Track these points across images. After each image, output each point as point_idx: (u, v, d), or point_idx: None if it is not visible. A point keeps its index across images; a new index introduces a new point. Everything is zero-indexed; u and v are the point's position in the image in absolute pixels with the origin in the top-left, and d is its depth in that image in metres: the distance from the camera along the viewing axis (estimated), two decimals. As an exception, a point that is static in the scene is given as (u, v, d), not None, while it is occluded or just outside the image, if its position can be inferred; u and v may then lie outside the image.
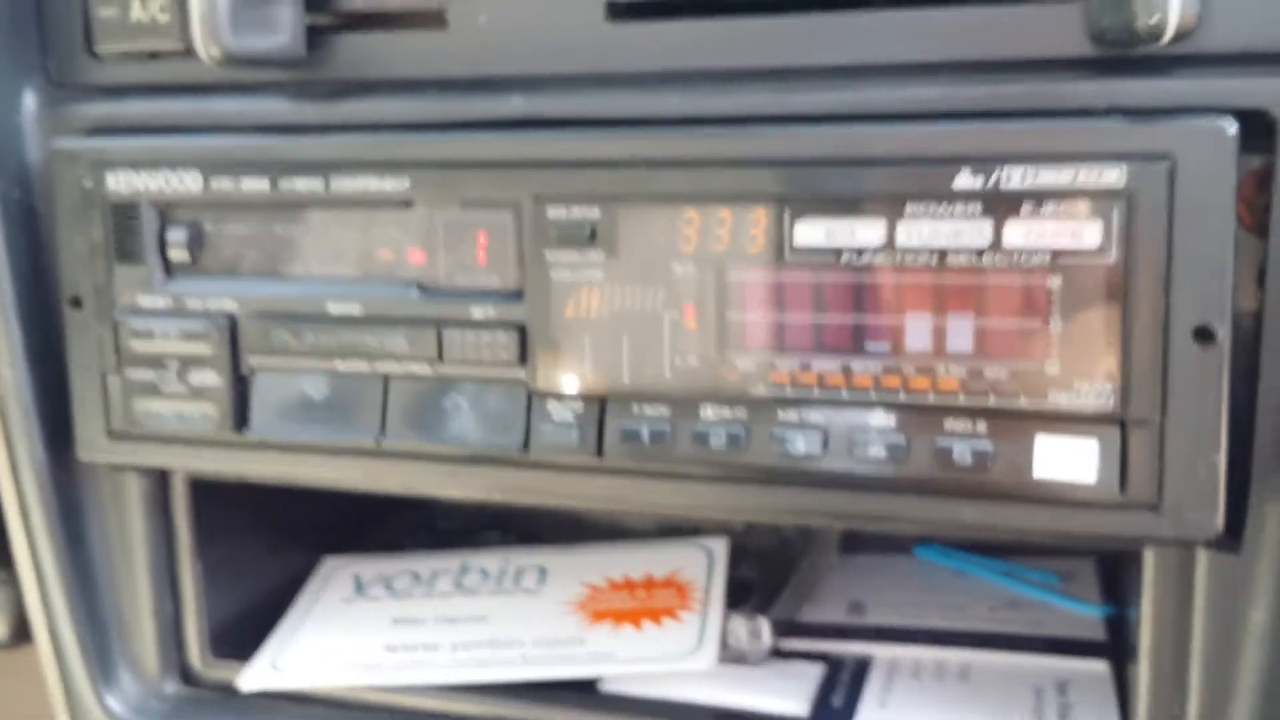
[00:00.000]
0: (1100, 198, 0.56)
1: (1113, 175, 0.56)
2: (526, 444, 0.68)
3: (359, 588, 0.93)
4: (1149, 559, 0.63)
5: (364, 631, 0.86)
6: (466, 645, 0.83)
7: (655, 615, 0.85)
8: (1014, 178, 0.57)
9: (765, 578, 0.92)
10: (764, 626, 0.84)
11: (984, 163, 0.57)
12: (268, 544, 0.93)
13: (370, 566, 0.93)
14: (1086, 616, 0.89)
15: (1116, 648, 0.83)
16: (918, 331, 0.60)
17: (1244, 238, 0.56)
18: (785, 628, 0.88)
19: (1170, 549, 0.62)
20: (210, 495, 0.84)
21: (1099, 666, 0.81)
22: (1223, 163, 0.54)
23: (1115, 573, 0.94)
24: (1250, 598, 0.60)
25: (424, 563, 0.93)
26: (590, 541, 0.97)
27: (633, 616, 0.85)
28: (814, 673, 0.81)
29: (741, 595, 0.89)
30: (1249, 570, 0.60)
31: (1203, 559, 0.61)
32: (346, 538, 1.00)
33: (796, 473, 0.63)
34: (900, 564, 1.00)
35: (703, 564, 0.91)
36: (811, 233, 0.62)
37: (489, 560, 0.92)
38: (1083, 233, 0.57)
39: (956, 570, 0.98)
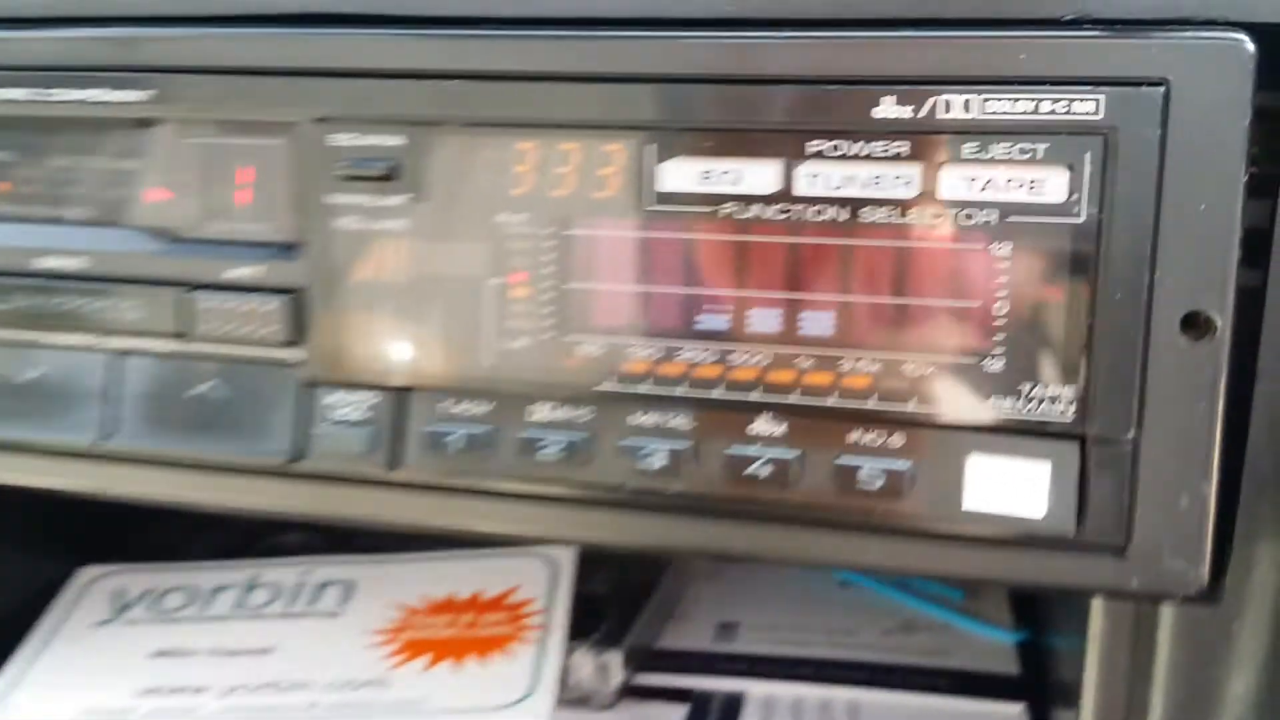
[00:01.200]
0: (1068, 137, 0.43)
1: (1085, 107, 0.43)
2: (300, 451, 0.52)
3: (118, 607, 0.76)
4: (1097, 609, 0.52)
5: (117, 668, 0.69)
6: (243, 688, 0.66)
7: (481, 647, 0.70)
8: (953, 107, 0.44)
9: (620, 594, 0.78)
10: (614, 661, 0.70)
11: (914, 86, 0.44)
12: (10, 547, 0.74)
13: (136, 578, 0.79)
14: (996, 642, 0.75)
15: (1034, 684, 0.72)
16: (819, 311, 0.47)
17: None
18: (642, 657, 0.74)
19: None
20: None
21: (1013, 710, 0.69)
22: (1235, 91, 0.42)
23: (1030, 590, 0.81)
24: (1229, 663, 0.49)
25: (203, 575, 0.79)
26: (409, 549, 0.80)
27: (453, 649, 0.70)
28: (674, 717, 0.67)
29: (591, 616, 0.75)
30: (1228, 627, 0.49)
31: (1168, 610, 0.50)
32: (112, 539, 0.82)
33: (653, 494, 0.50)
34: (780, 574, 0.86)
35: (544, 578, 0.76)
36: (682, 175, 0.48)
37: (284, 572, 0.77)
38: (1043, 183, 0.44)
39: (844, 582, 0.84)
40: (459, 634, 0.72)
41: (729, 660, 0.76)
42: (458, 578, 0.77)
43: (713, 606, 0.82)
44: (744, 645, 0.77)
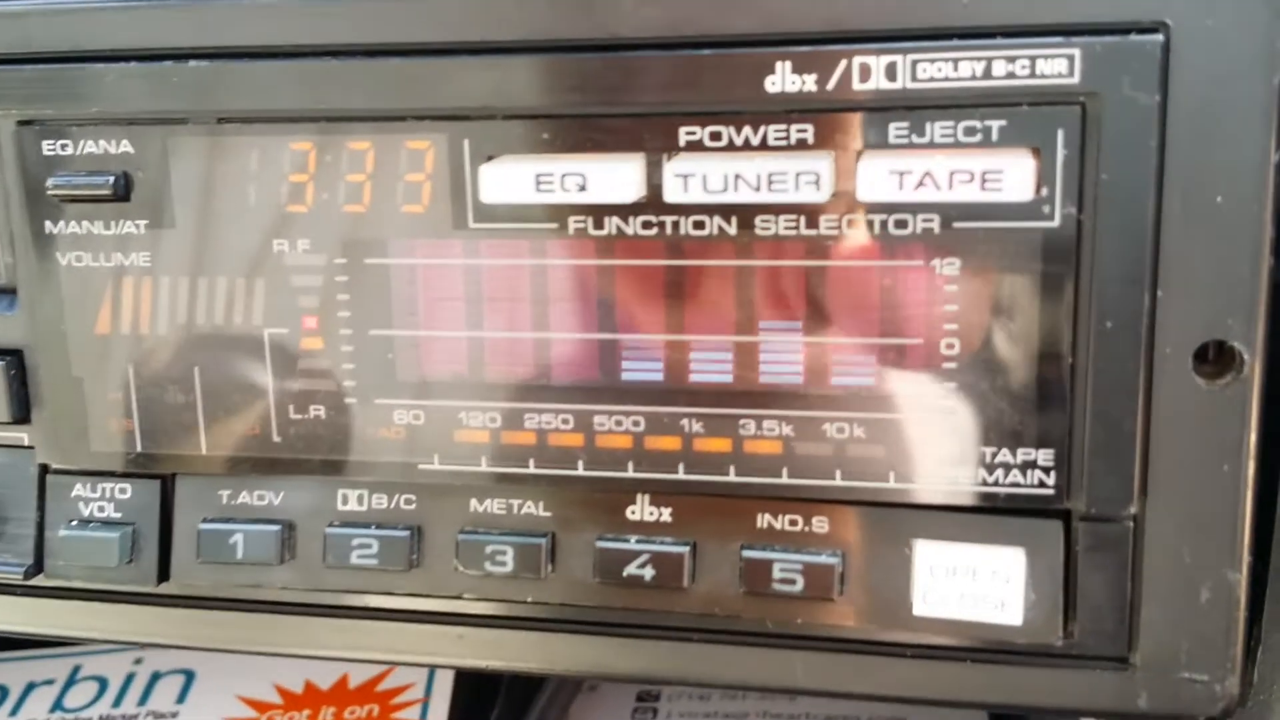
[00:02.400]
0: (1031, 109, 0.33)
1: (1055, 67, 0.33)
2: (39, 562, 0.39)
3: (-94, 716, 0.63)
4: None
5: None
6: (42, 825, 0.54)
7: (343, 754, 0.57)
8: (872, 74, 0.34)
9: None
10: (506, 760, 0.57)
11: (818, 46, 0.34)
12: None
13: (-67, 676, 0.63)
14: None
15: None
16: (708, 356, 0.36)
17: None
18: (545, 744, 0.61)
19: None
20: None
21: (985, 792, 0.57)
22: (1259, 40, 0.32)
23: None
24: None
25: (16, 668, 0.66)
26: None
27: (308, 758, 0.57)
28: (581, 825, 0.56)
29: (481, 698, 0.64)
30: (1258, 737, 0.39)
31: None
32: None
33: (504, 603, 0.39)
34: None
35: (425, 655, 0.62)
36: (512, 180, 0.36)
37: (111, 663, 0.65)
38: (1000, 175, 0.33)
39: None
40: (315, 737, 0.59)
41: (648, 741, 0.64)
42: (319, 660, 0.64)
43: (630, 670, 0.70)
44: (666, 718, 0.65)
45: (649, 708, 0.67)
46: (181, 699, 0.64)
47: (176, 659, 0.67)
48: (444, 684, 0.63)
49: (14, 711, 0.65)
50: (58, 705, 0.65)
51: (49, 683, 0.67)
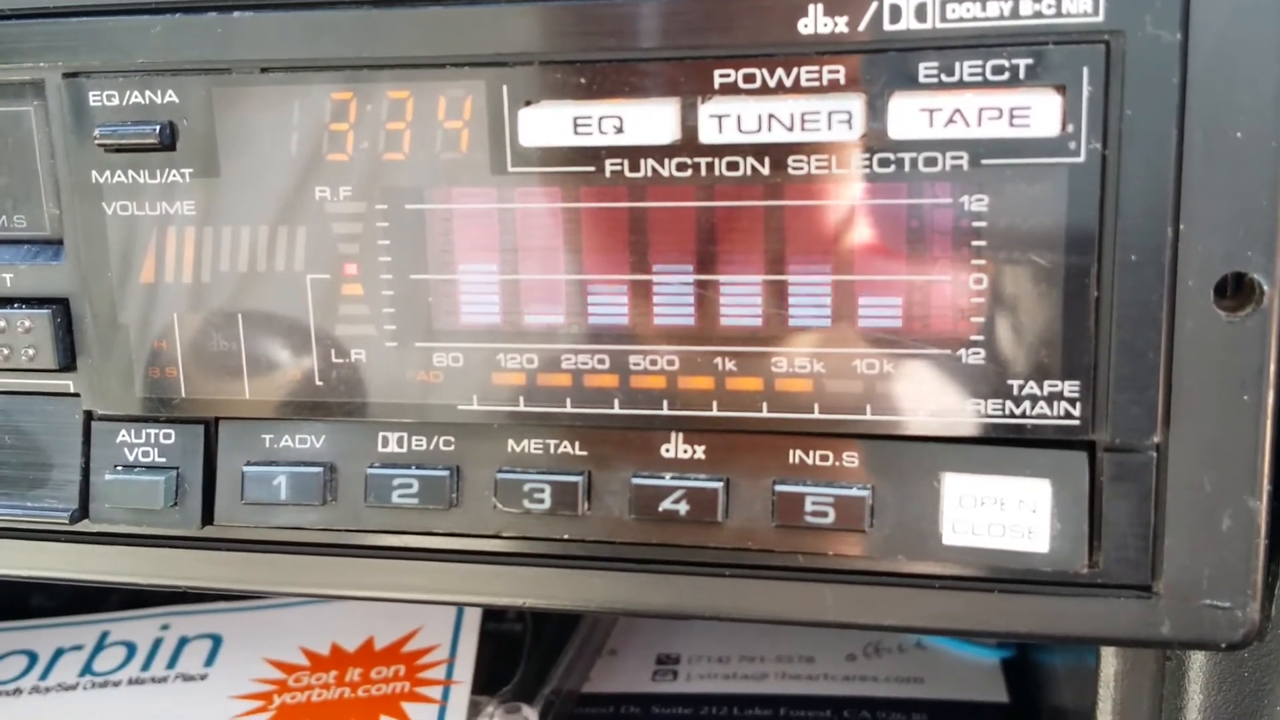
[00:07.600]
0: (1058, 48, 0.34)
1: (1080, 5, 0.33)
2: (84, 507, 0.40)
3: (-62, 681, 0.63)
4: (1108, 653, 0.42)
5: (-72, 761, 0.57)
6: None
7: (370, 712, 0.58)
8: (903, 15, 0.34)
9: (539, 629, 0.67)
10: (531, 717, 0.58)
11: None
12: None
13: (-38, 643, 0.64)
14: (978, 662, 0.65)
15: (1028, 713, 0.62)
16: (741, 295, 0.37)
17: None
18: (568, 705, 0.63)
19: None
20: None
21: (1004, 747, 0.58)
22: None
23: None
24: (1276, 712, 0.40)
25: (43, 635, 0.66)
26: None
27: (337, 715, 0.57)
28: (605, 782, 0.56)
29: (505, 659, 0.64)
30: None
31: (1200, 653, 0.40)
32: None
33: (541, 541, 0.40)
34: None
35: (449, 617, 0.65)
36: (549, 124, 0.37)
37: (139, 627, 0.66)
38: (1028, 112, 0.34)
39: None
40: (344, 695, 0.60)
41: (669, 703, 0.65)
42: (344, 622, 0.66)
43: (650, 635, 0.71)
44: (686, 684, 0.66)
45: (669, 670, 0.68)
46: (210, 662, 0.65)
47: (203, 624, 0.68)
48: (469, 645, 0.64)
49: (44, 676, 0.65)
50: (87, 669, 0.66)
51: (78, 648, 0.68)
